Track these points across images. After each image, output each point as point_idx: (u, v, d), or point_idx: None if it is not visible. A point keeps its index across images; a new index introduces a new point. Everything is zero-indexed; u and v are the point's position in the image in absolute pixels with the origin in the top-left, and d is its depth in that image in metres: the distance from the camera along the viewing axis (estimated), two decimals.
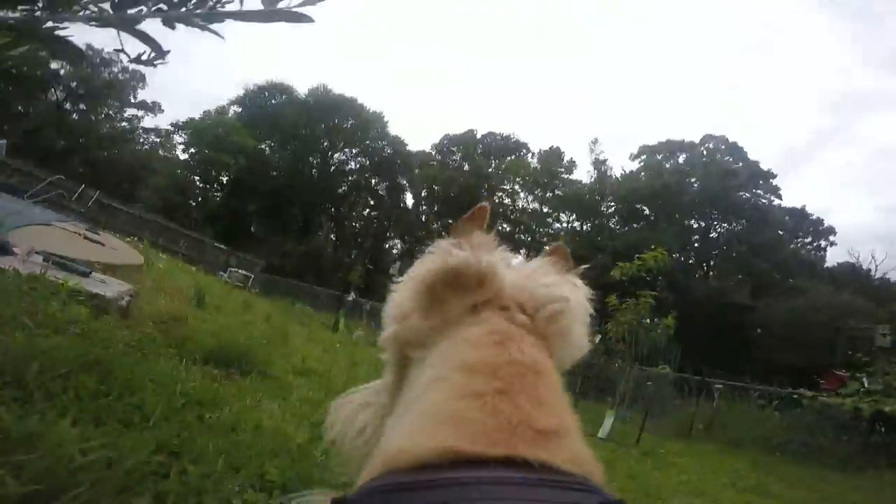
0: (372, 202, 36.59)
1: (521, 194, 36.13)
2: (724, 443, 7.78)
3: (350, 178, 36.29)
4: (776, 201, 30.17)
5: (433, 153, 38.08)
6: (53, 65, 31.55)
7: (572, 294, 0.65)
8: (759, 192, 30.07)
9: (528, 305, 0.60)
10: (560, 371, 0.59)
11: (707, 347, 18.64)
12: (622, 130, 57.81)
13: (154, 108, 36.34)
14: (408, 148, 36.60)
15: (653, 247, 7.22)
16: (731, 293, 26.34)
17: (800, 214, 30.48)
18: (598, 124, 65.04)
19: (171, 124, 35.75)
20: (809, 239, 30.61)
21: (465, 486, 0.38)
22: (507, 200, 35.87)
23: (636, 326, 6.94)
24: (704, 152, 31.36)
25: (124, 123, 36.59)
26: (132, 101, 36.03)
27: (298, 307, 15.11)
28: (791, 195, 50.03)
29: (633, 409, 7.71)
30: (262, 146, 33.07)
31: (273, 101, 34.62)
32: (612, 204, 32.56)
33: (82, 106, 34.87)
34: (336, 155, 36.09)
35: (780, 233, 29.39)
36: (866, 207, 51.26)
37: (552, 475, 0.40)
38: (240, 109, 34.43)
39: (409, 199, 37.37)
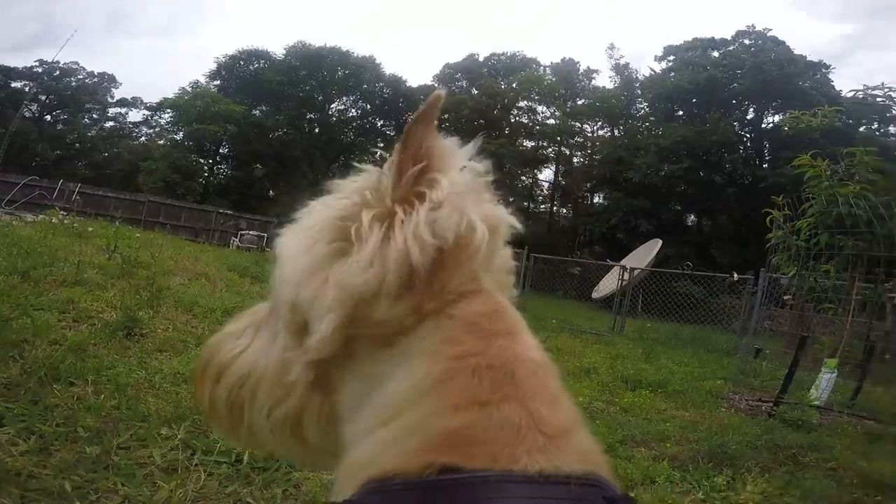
0: (382, 144, 34.82)
1: (540, 108, 33.39)
2: None
3: (354, 124, 35.10)
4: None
5: (436, 84, 35.52)
6: (16, 84, 32.82)
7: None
8: (811, 84, 26.34)
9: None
10: None
11: None
12: (627, 39, 51.93)
13: (135, 102, 37.42)
14: (407, 84, 34.62)
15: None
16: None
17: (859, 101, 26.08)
18: (603, 35, 58.92)
19: (147, 108, 35.29)
20: (876, 126, 25.85)
21: (468, 486, 0.35)
22: (524, 119, 33.25)
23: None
24: (740, 48, 28.37)
25: (111, 123, 37.28)
26: (111, 100, 37.53)
27: None
28: None
29: None
30: (255, 112, 31.87)
31: (251, 68, 33.33)
32: (643, 106, 30.48)
33: (64, 116, 36.25)
34: (334, 106, 34.78)
35: (850, 121, 25.37)
36: None
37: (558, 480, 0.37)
38: (218, 82, 33.24)
39: None
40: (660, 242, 15.40)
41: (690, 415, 3.88)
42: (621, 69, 31.06)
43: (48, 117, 36.14)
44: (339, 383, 0.45)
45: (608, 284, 12.81)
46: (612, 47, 31.67)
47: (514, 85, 32.58)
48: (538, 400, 0.39)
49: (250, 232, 17.30)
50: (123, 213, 13.81)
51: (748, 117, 28.14)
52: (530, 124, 32.89)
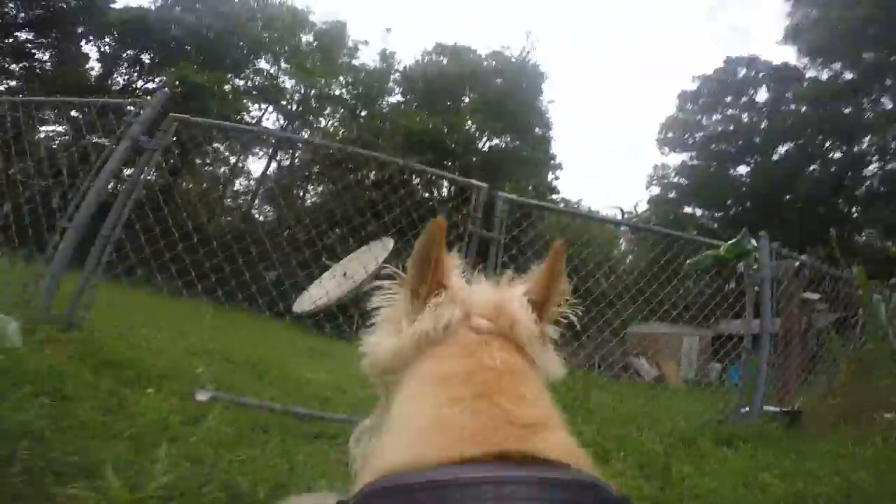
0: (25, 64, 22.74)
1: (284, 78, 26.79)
2: None
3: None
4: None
5: None
6: None
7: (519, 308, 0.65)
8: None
9: (491, 314, 0.63)
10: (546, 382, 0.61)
11: None
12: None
13: None
14: None
15: None
16: None
17: None
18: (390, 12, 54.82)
19: None
20: None
21: (465, 487, 0.38)
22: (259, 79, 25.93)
23: None
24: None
25: None
26: None
27: None
28: None
29: None
30: None
31: None
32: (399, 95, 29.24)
33: None
34: None
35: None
36: None
37: (549, 471, 0.41)
38: None
39: (94, 54, 24.24)
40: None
41: None
42: (386, 57, 29.03)
43: None
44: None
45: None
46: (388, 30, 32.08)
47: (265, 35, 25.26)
48: (503, 397, 0.48)
49: None
50: None
51: None
52: (270, 87, 25.97)
